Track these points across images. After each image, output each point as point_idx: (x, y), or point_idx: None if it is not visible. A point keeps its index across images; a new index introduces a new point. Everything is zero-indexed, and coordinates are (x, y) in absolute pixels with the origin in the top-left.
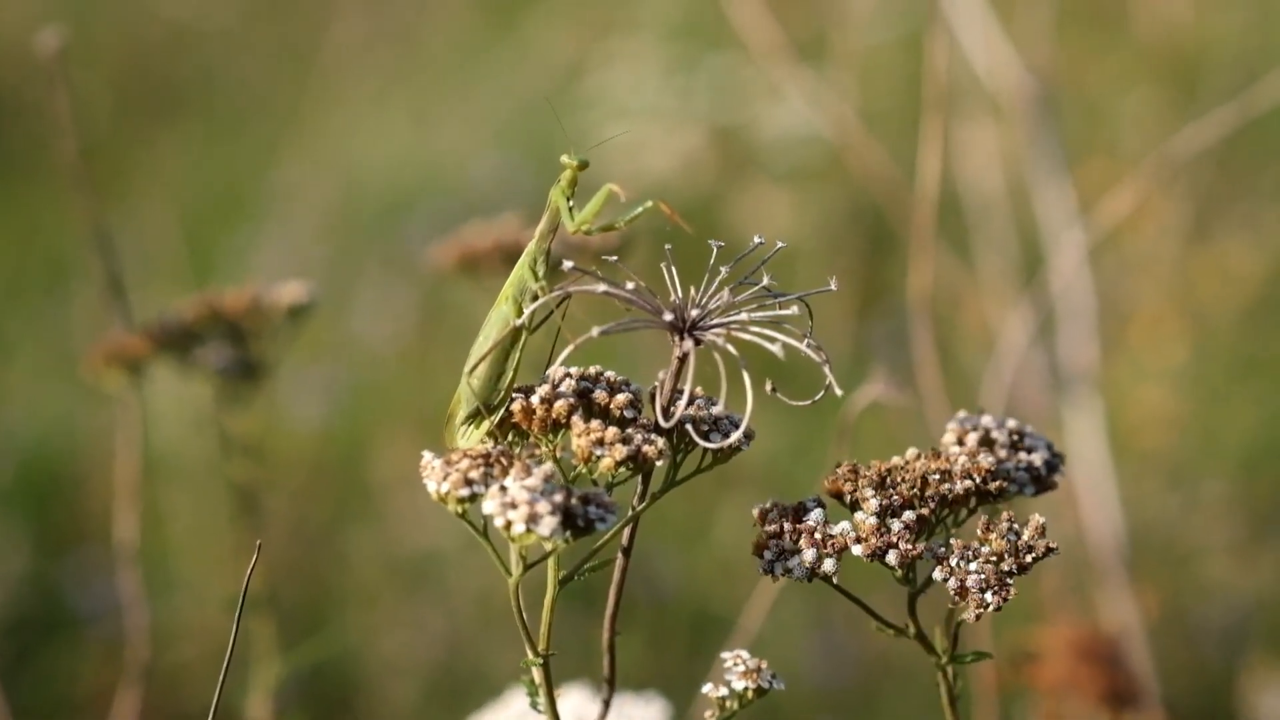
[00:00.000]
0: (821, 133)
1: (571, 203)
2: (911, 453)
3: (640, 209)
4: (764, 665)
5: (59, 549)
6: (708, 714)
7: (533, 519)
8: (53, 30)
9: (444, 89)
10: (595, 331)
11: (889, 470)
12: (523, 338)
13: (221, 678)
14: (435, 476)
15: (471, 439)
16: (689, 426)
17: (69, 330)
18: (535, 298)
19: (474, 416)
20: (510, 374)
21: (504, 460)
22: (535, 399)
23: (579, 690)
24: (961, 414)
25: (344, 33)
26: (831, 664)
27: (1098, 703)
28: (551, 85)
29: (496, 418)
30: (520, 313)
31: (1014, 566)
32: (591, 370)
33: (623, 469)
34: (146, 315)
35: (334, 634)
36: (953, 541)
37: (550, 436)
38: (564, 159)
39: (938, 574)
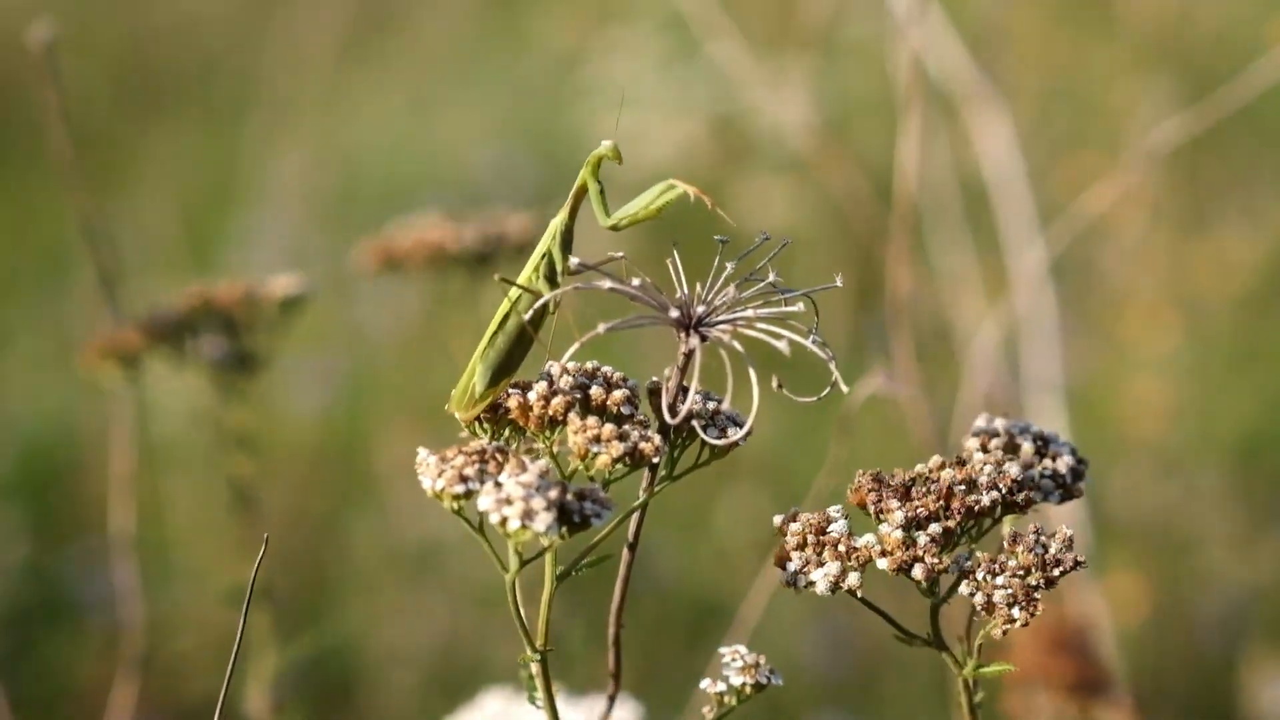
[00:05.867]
0: (793, 138)
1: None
2: (935, 461)
3: (668, 198)
4: (762, 660)
5: (59, 538)
6: (705, 710)
7: (528, 515)
8: (44, 23)
9: (443, 78)
10: (602, 328)
11: (913, 480)
12: (546, 316)
13: (229, 674)
14: (430, 473)
15: (485, 403)
16: (695, 423)
17: (68, 320)
18: (556, 276)
19: (496, 381)
20: (525, 352)
21: (499, 456)
22: (532, 395)
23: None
24: (982, 419)
25: (342, 20)
26: (831, 654)
27: (1066, 693)
28: (551, 75)
29: (503, 386)
30: (547, 289)
31: (1041, 581)
32: (589, 366)
33: (619, 465)
34: (144, 305)
35: (335, 624)
36: (978, 554)
37: (547, 433)
38: (605, 144)
39: (964, 588)
